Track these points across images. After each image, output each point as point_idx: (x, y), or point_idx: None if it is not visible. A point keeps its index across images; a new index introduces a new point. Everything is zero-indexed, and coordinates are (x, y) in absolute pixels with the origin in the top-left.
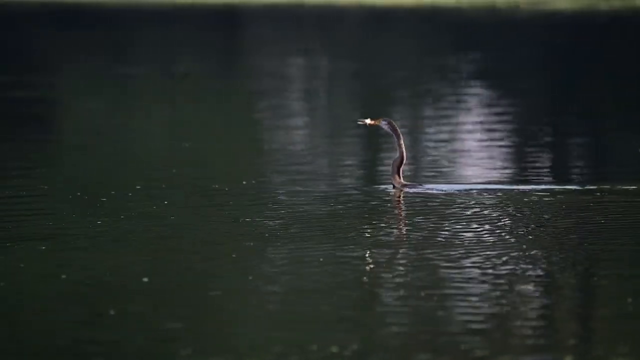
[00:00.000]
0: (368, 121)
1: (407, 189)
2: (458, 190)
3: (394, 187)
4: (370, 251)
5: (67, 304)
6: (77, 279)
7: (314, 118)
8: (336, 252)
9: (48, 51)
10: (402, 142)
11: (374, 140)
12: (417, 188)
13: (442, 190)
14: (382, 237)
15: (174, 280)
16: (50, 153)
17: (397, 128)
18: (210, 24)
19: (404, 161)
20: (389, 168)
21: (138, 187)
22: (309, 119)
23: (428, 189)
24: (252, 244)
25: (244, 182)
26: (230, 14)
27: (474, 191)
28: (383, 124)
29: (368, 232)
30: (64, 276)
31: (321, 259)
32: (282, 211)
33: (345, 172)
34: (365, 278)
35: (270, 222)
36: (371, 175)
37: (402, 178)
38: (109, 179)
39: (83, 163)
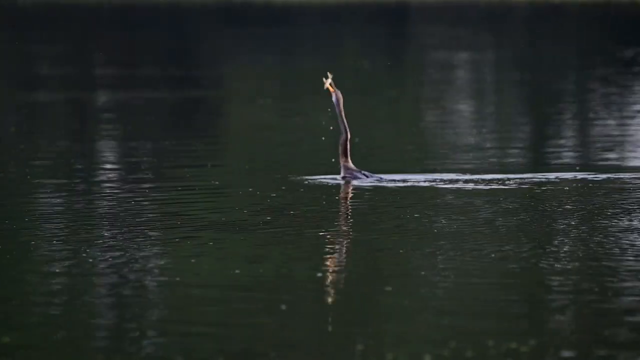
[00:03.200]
0: (329, 82)
1: (352, 178)
2: (396, 181)
3: (341, 170)
4: (538, 245)
5: (240, 298)
6: (249, 272)
7: (481, 111)
8: (504, 248)
9: (219, 48)
10: (344, 118)
11: (539, 130)
12: (369, 178)
13: (392, 181)
14: (551, 230)
15: (346, 275)
16: (221, 148)
17: (342, 106)
18: (379, 20)
19: (349, 138)
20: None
21: (306, 182)
22: (476, 112)
23: (377, 179)
24: (423, 239)
25: (410, 178)
26: (402, 10)
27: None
28: (333, 96)
29: (534, 226)
30: (237, 271)
31: (492, 255)
32: (452, 207)
33: (508, 164)
34: (534, 273)
35: (440, 218)
36: (534, 164)
37: (349, 160)
38: (279, 174)
39: (253, 158)
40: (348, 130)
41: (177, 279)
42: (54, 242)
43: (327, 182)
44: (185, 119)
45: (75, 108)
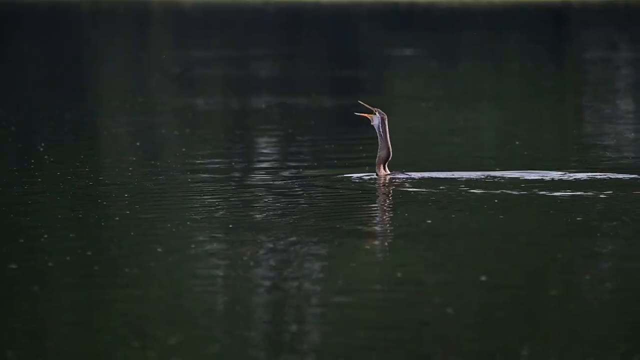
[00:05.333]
0: (364, 111)
1: (391, 177)
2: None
3: (376, 175)
4: None
5: (405, 302)
6: (411, 276)
7: None
8: None
9: (383, 50)
10: (388, 139)
11: None
12: (403, 175)
13: (424, 177)
14: None
15: (511, 278)
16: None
17: (387, 125)
18: (542, 21)
19: (390, 157)
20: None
21: (463, 185)
22: (638, 113)
23: (411, 176)
24: (580, 242)
25: (573, 180)
26: (565, 11)
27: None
28: (375, 120)
29: None
30: (399, 274)
31: None
32: (610, 208)
33: None
34: None
35: (600, 219)
36: None
37: (386, 169)
38: (438, 176)
39: (415, 162)
40: (391, 150)
41: (339, 282)
42: (215, 244)
43: (485, 184)
44: (348, 123)
45: (236, 111)
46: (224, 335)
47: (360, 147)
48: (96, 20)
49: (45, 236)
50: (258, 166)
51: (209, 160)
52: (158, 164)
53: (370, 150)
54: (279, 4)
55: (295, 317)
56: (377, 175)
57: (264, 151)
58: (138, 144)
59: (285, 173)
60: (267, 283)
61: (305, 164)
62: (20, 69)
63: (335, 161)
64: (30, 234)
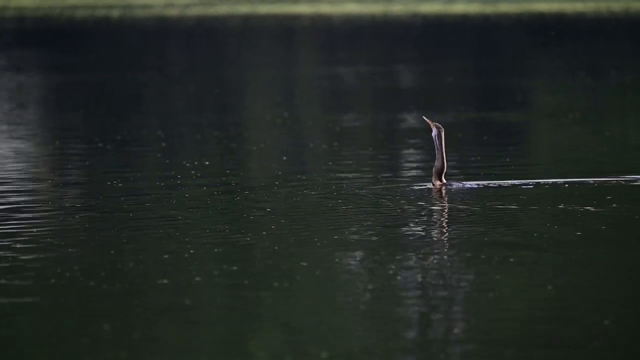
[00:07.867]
0: (428, 121)
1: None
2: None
3: (432, 185)
4: None
5: (547, 315)
6: (555, 289)
7: None
8: None
9: (526, 61)
10: (444, 151)
11: None
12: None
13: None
14: None
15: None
16: (529, 163)
17: (443, 138)
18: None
19: (445, 170)
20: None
21: (575, 195)
22: None
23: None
24: None
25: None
26: None
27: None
28: (434, 130)
29: None
30: (549, 287)
31: None
32: None
33: None
34: None
35: None
36: None
37: (442, 179)
38: (587, 187)
39: (561, 172)
40: (445, 162)
41: (491, 295)
42: (360, 258)
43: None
44: (495, 134)
45: (383, 125)
46: (376, 348)
47: (507, 159)
48: (245, 34)
49: (192, 251)
50: (404, 180)
51: (355, 175)
52: (304, 178)
53: (514, 159)
54: (426, 16)
55: (444, 330)
56: (432, 185)
57: (411, 165)
58: (285, 158)
59: (430, 186)
60: (415, 300)
61: (451, 177)
62: (168, 84)
63: (482, 173)
64: (177, 249)
